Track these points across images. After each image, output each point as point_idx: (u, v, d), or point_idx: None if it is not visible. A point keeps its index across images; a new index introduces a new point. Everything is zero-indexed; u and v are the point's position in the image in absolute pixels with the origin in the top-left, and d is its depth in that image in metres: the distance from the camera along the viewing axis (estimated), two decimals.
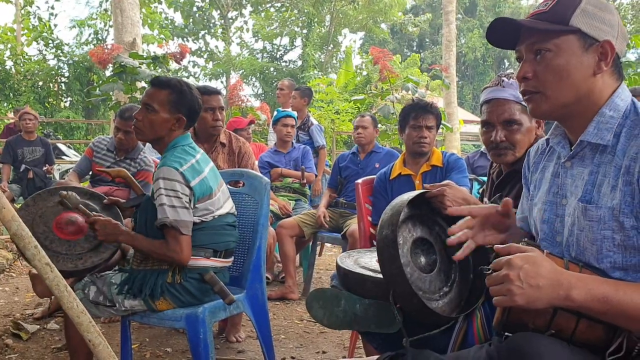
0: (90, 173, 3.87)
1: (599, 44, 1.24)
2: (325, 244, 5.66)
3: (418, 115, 3.06)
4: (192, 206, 2.17)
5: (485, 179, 3.72)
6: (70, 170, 4.42)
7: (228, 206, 2.35)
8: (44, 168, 6.28)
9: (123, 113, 3.67)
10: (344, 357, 2.95)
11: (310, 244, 4.52)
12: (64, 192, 2.25)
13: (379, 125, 7.11)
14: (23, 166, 6.24)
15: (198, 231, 2.21)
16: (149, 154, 3.92)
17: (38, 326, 3.29)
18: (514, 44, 1.33)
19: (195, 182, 2.17)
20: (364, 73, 14.98)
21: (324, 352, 3.07)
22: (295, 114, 5.54)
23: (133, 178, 2.66)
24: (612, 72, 1.27)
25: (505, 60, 31.93)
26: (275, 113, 5.32)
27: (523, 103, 1.95)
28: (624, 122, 1.23)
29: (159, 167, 2.18)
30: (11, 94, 15.58)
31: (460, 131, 12.89)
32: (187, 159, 2.20)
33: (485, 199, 2.13)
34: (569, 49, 1.24)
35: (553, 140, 1.39)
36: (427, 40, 34.46)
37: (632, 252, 1.17)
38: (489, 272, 1.14)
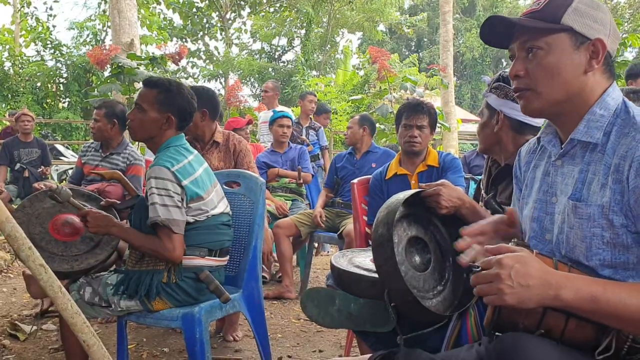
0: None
1: (591, 42, 1.25)
2: (323, 243, 5.68)
3: (409, 115, 3.07)
4: (184, 205, 2.18)
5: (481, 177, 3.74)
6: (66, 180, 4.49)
7: (222, 206, 2.36)
8: (39, 170, 6.28)
9: (99, 104, 3.88)
10: (340, 356, 2.96)
11: (307, 243, 4.53)
12: (55, 187, 2.24)
13: (378, 125, 7.17)
14: (18, 165, 6.24)
15: (192, 230, 2.22)
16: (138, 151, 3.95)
17: (35, 327, 3.30)
18: (508, 42, 1.34)
19: (186, 182, 2.18)
20: (361, 73, 15.00)
21: (320, 351, 3.08)
22: (292, 114, 5.60)
23: (127, 180, 2.67)
24: (603, 71, 1.28)
25: (503, 60, 31.95)
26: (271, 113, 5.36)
27: (486, 99, 2.04)
28: (614, 121, 1.24)
29: (151, 167, 2.20)
30: (9, 95, 15.57)
31: (459, 130, 12.89)
32: (179, 159, 2.21)
33: (483, 193, 2.15)
34: (560, 46, 1.25)
35: (544, 138, 1.40)
36: (426, 39, 34.46)
37: (620, 249, 1.18)
38: (478, 269, 1.14)
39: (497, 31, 1.33)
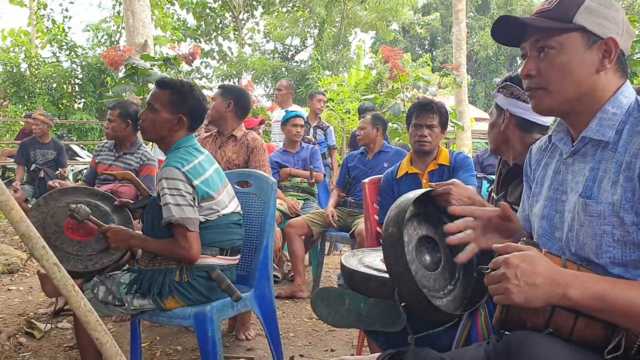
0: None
1: (603, 41, 1.24)
2: (336, 243, 5.68)
3: (419, 114, 3.07)
4: (196, 204, 2.20)
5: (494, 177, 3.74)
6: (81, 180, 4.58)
7: (233, 205, 2.38)
8: (57, 172, 6.34)
9: (113, 104, 3.93)
10: (352, 355, 2.96)
11: (319, 243, 4.54)
12: (74, 206, 2.28)
13: (390, 124, 7.15)
14: (33, 165, 6.31)
15: (204, 230, 2.24)
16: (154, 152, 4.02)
17: (50, 325, 3.34)
18: (520, 41, 1.34)
19: (197, 182, 2.20)
20: (374, 72, 14.98)
21: (332, 350, 3.09)
22: (305, 114, 5.61)
23: (139, 180, 2.69)
24: (616, 70, 1.27)
25: (518, 58, 31.71)
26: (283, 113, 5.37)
27: (495, 99, 2.06)
28: (626, 119, 1.24)
29: (162, 168, 2.22)
30: (26, 96, 15.77)
31: (472, 129, 12.84)
32: (189, 160, 2.23)
33: (493, 194, 2.14)
34: (572, 46, 1.24)
35: (555, 136, 1.39)
36: (439, 38, 34.33)
37: (631, 247, 1.17)
38: (488, 271, 1.14)
39: (508, 30, 1.33)
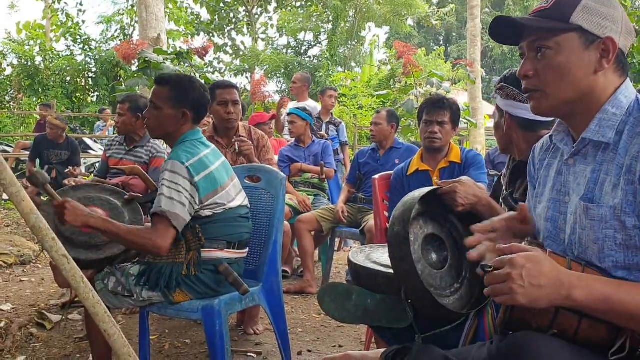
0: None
1: (601, 41, 1.22)
2: (346, 239, 5.68)
3: (430, 111, 3.05)
4: (197, 201, 2.19)
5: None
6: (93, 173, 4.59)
7: (240, 199, 2.39)
8: (67, 170, 6.34)
9: (123, 98, 3.91)
10: (360, 350, 2.96)
11: (329, 239, 4.54)
12: (33, 169, 2.19)
13: (403, 120, 7.12)
14: (46, 167, 6.30)
15: (210, 224, 2.25)
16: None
17: (61, 316, 3.38)
18: (519, 39, 1.32)
19: (199, 178, 2.20)
20: (388, 67, 14.93)
21: (340, 346, 3.09)
22: (317, 108, 5.60)
23: (147, 174, 2.71)
24: (615, 69, 1.25)
25: None
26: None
27: (495, 100, 2.02)
28: (627, 119, 1.22)
29: (166, 160, 2.23)
30: (40, 89, 15.92)
31: (486, 126, 12.73)
32: (194, 153, 2.24)
33: (504, 190, 2.13)
34: (569, 46, 1.22)
35: (556, 137, 1.37)
36: (454, 34, 34.13)
37: (634, 251, 1.16)
38: (491, 269, 1.14)
39: (507, 30, 1.31)
